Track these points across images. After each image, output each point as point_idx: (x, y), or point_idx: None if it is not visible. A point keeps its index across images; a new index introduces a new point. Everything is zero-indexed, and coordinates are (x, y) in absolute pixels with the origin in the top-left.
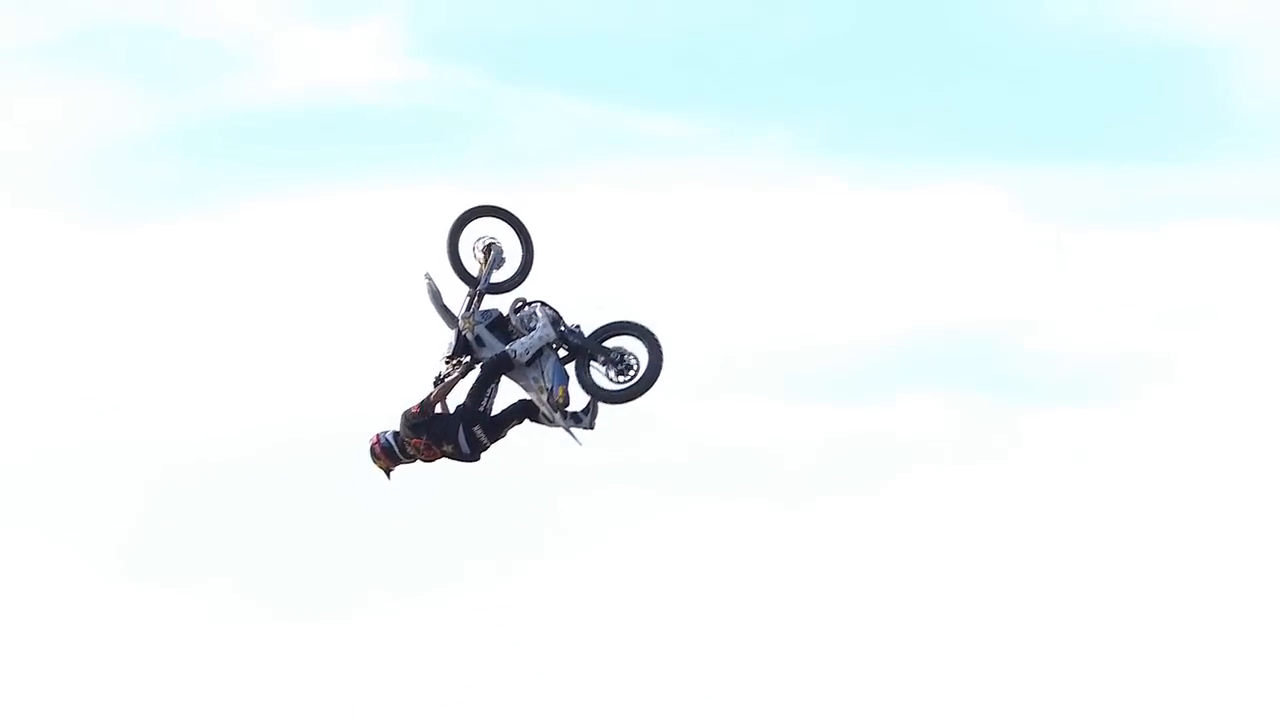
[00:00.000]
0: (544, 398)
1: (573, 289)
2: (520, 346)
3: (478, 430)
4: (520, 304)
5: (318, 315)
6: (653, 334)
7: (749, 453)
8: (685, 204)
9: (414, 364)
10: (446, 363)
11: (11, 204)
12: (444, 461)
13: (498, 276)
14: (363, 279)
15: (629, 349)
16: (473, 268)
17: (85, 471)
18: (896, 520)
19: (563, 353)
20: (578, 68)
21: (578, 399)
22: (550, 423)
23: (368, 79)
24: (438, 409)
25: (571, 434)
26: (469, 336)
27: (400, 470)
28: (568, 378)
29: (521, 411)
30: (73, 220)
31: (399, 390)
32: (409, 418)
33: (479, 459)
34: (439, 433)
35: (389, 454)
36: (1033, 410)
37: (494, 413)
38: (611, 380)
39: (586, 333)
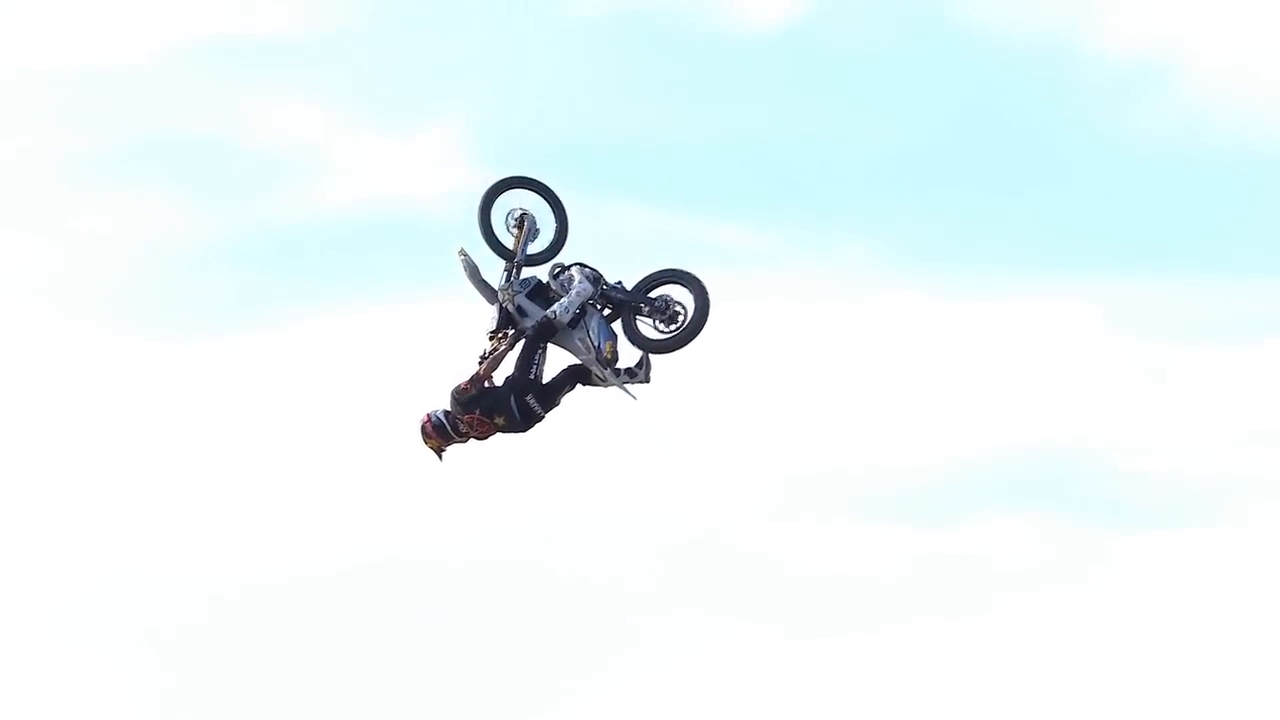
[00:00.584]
0: (593, 358)
1: (639, 403)
2: (560, 308)
3: (530, 399)
4: (559, 269)
5: (377, 433)
6: (695, 277)
7: (828, 577)
8: (758, 317)
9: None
10: (491, 338)
11: (65, 319)
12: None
13: (534, 248)
14: (426, 396)
15: (674, 297)
16: (508, 241)
17: (135, 592)
18: (981, 647)
19: (608, 312)
20: (646, 175)
21: (628, 355)
22: (604, 383)
23: (429, 188)
24: (486, 384)
25: (626, 390)
26: (509, 308)
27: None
28: (614, 335)
29: (573, 376)
30: (126, 335)
31: (457, 511)
32: (459, 394)
33: (532, 429)
34: (490, 406)
35: (440, 432)
36: (1126, 533)
37: (545, 381)
38: (660, 331)
39: (630, 288)
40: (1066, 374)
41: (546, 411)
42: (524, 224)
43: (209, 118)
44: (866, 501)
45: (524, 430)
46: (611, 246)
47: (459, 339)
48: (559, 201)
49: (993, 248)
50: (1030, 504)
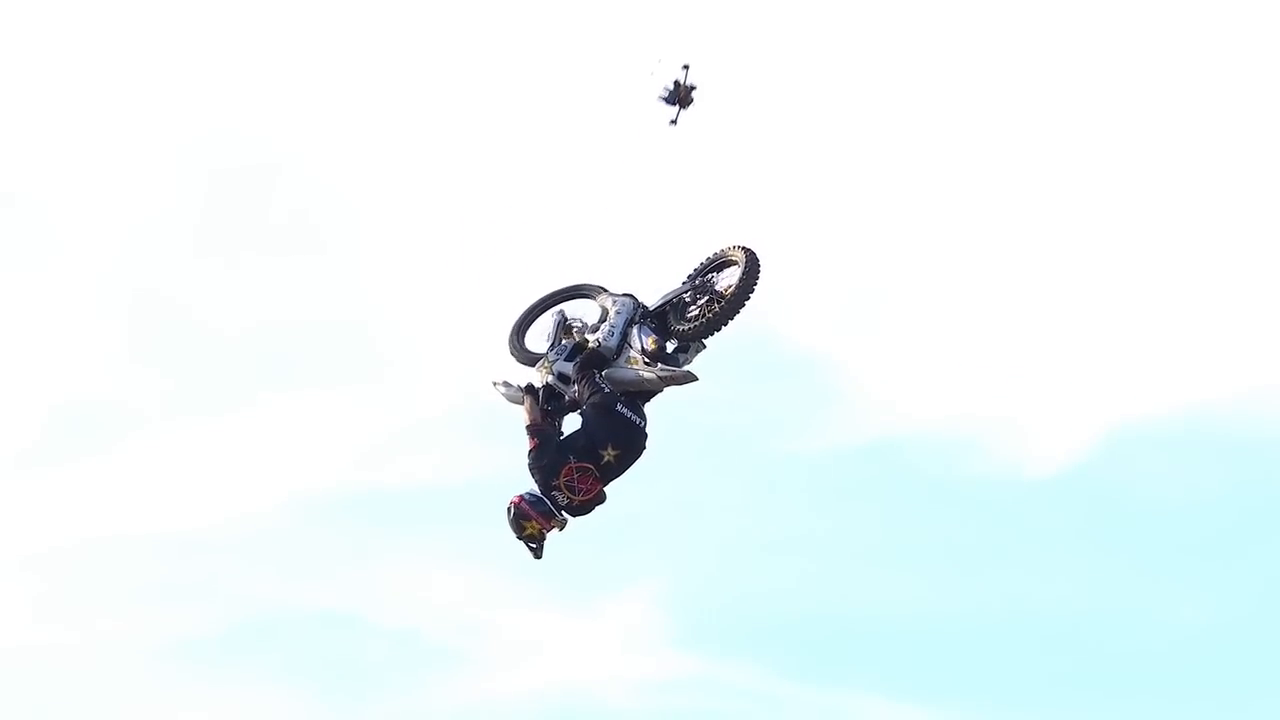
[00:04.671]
0: (641, 367)
1: None
2: (603, 334)
3: (622, 408)
4: (601, 319)
5: None
6: (743, 248)
7: None
8: None
9: None
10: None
11: None
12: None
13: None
14: None
15: (721, 279)
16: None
17: None
18: None
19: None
20: (900, 661)
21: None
22: (665, 380)
23: (617, 676)
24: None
25: (683, 377)
26: (550, 380)
27: None
28: (655, 333)
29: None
30: None
31: None
32: (535, 456)
33: (645, 441)
34: (585, 445)
35: (541, 510)
36: None
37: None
38: (716, 310)
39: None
40: None
41: (643, 419)
42: (557, 326)
43: (336, 590)
44: None
45: (639, 444)
46: None
47: None
48: (597, 288)
49: None
50: None
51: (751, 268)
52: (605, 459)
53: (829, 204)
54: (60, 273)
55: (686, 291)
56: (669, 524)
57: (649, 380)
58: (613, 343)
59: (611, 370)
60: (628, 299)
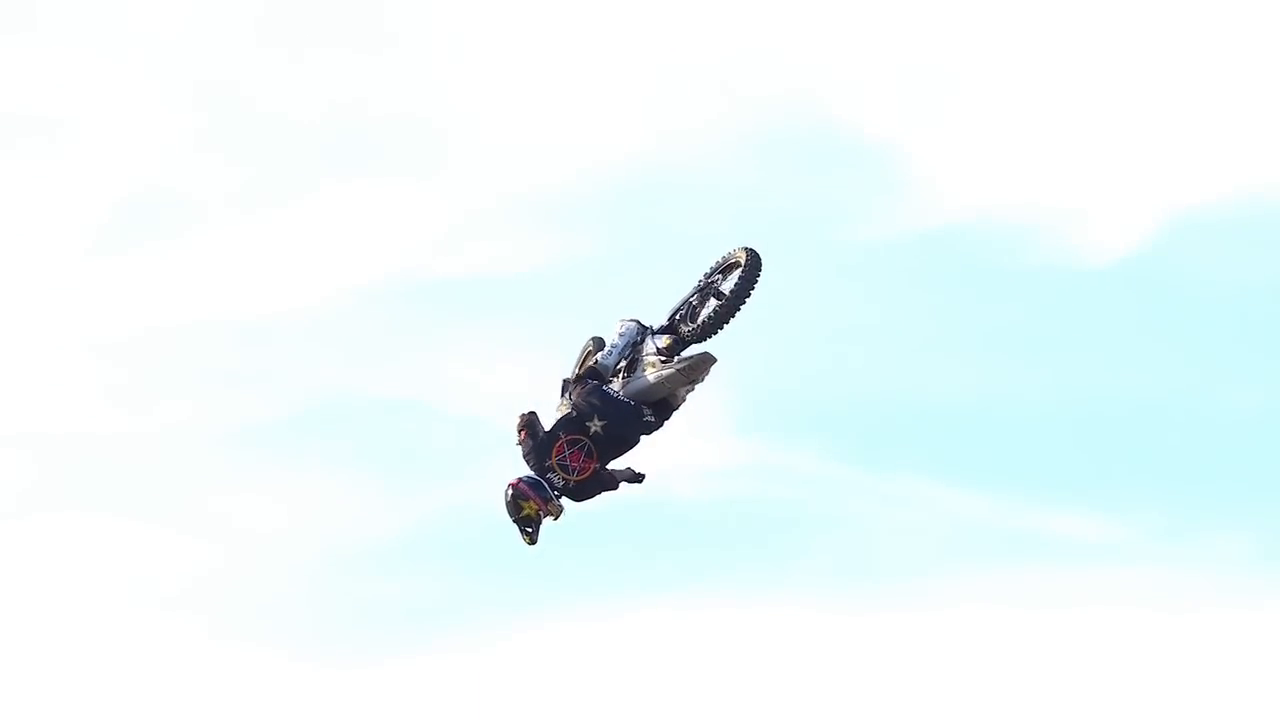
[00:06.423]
0: (657, 368)
1: None
2: (603, 354)
3: (609, 389)
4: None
5: None
6: (745, 248)
7: None
8: (1102, 628)
9: None
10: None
11: (223, 635)
12: None
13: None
14: None
15: (724, 282)
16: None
17: None
18: None
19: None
20: (958, 448)
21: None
22: (684, 372)
23: (682, 464)
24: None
25: (699, 361)
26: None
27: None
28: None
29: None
30: (300, 655)
31: None
32: (529, 445)
33: (645, 422)
34: (574, 419)
35: (538, 490)
36: None
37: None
38: (720, 308)
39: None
40: None
41: (637, 402)
42: (564, 385)
43: (401, 377)
44: None
45: (630, 418)
46: (911, 539)
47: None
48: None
49: None
50: None
51: (751, 268)
52: (593, 429)
53: None
54: (125, 62)
55: (694, 295)
56: None
57: (668, 378)
58: (609, 360)
59: (629, 384)
60: (632, 323)
